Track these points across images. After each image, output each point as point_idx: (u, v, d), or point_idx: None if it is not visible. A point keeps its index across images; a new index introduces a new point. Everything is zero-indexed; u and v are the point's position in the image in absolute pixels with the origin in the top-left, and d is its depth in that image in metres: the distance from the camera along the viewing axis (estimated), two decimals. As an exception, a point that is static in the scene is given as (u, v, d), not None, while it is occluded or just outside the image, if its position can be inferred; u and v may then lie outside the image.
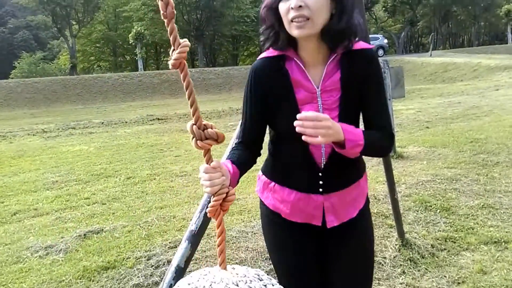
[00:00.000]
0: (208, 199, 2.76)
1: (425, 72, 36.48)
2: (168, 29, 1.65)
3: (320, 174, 2.11)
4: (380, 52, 47.54)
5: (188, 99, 1.74)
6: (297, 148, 2.07)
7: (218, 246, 1.82)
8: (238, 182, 2.05)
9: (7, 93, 39.20)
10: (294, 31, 1.91)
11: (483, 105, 13.59)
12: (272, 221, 2.31)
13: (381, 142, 2.04)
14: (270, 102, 2.11)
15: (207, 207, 2.69)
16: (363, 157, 2.18)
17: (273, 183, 2.25)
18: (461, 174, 6.40)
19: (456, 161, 7.11)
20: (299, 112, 1.87)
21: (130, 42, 59.94)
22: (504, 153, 7.31)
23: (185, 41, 1.68)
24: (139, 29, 57.47)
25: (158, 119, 18.23)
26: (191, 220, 2.74)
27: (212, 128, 1.78)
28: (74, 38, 68.32)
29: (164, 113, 20.68)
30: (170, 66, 1.68)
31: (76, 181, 8.13)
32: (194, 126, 1.77)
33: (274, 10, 1.95)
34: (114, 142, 12.67)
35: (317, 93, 2.01)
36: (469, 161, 7.03)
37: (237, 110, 18.98)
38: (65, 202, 6.85)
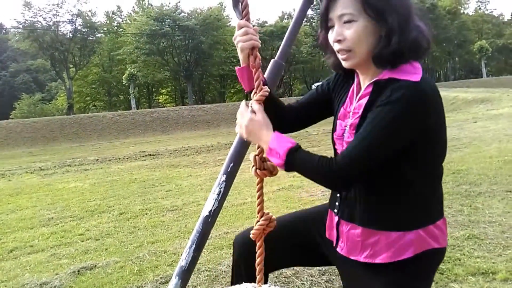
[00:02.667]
0: (197, 234, 2.65)
1: (404, 106, 36.70)
2: (255, 76, 2.00)
3: (338, 195, 2.02)
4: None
5: None
6: None
7: (258, 265, 2.03)
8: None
9: (7, 133, 39.07)
10: (341, 62, 1.89)
11: (462, 137, 13.59)
12: None
13: (314, 167, 1.78)
14: (332, 104, 2.15)
15: (196, 243, 2.61)
16: (413, 214, 1.84)
17: None
18: (445, 205, 6.13)
19: (438, 191, 6.95)
20: (335, 125, 2.03)
21: (124, 83, 60.82)
22: (486, 183, 7.21)
23: (266, 88, 2.03)
24: (132, 70, 58.29)
25: (150, 155, 18.08)
26: (181, 255, 2.64)
27: (270, 162, 2.00)
28: (71, 80, 68.86)
29: (156, 149, 20.59)
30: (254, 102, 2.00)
31: (71, 217, 7.94)
32: (257, 157, 2.02)
33: (325, 40, 1.95)
34: (108, 178, 12.50)
35: (350, 113, 1.94)
36: (452, 192, 6.93)
37: (226, 145, 18.94)
38: (60, 238, 6.67)
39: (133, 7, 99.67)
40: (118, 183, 11.50)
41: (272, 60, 2.94)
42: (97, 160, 17.90)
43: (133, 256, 5.41)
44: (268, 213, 2.10)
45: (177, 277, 2.58)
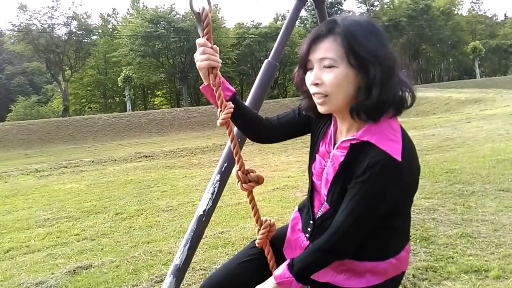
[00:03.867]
0: (192, 233, 2.66)
1: (398, 107, 36.73)
2: (216, 95, 1.99)
3: (311, 221, 2.03)
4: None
5: (233, 150, 2.04)
6: (309, 186, 2.07)
7: (272, 268, 2.10)
8: (231, 101, 2.06)
9: (3, 135, 39.04)
10: (317, 106, 1.82)
11: (456, 137, 13.62)
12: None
13: (318, 260, 1.84)
14: (311, 128, 2.10)
15: (190, 242, 2.63)
16: (386, 247, 1.88)
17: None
18: (438, 204, 6.30)
19: (433, 191, 7.01)
20: (314, 158, 2.00)
21: (119, 85, 60.68)
22: (479, 182, 7.25)
23: (230, 105, 2.00)
24: (127, 72, 58.13)
25: (146, 156, 18.07)
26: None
27: (254, 173, 2.06)
28: (66, 83, 68.58)
29: (151, 151, 20.57)
30: (218, 124, 2.00)
31: (67, 218, 7.94)
32: (239, 172, 2.04)
33: (301, 80, 1.87)
34: (104, 180, 12.50)
35: (330, 155, 1.90)
36: (446, 191, 6.95)
37: (221, 146, 18.93)
38: (56, 238, 6.67)
39: (128, 9, 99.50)
40: (114, 184, 11.50)
41: (265, 61, 2.96)
42: (92, 161, 17.89)
43: (129, 256, 5.42)
44: (266, 220, 2.16)
45: (171, 275, 2.60)
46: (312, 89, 1.77)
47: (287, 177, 9.45)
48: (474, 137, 13.11)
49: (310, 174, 2.03)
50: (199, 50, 1.92)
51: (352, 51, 1.64)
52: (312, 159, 2.03)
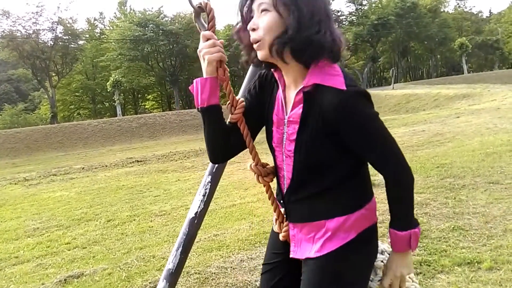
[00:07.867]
0: (184, 237, 2.62)
1: (389, 104, 36.92)
2: (227, 90, 1.95)
3: (281, 200, 2.02)
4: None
5: (248, 146, 2.02)
6: (274, 166, 2.07)
7: None
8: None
9: (-10, 144, 38.74)
10: (257, 54, 1.87)
11: (445, 132, 13.69)
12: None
13: (401, 200, 1.97)
14: (265, 107, 2.04)
15: (183, 245, 2.59)
16: (356, 196, 1.90)
17: None
18: (430, 198, 6.35)
19: (424, 186, 7.06)
20: (271, 132, 1.98)
21: (108, 90, 60.37)
22: (469, 176, 7.30)
23: (242, 101, 1.98)
24: (116, 77, 57.78)
25: (137, 161, 17.99)
26: (169, 259, 2.62)
27: (269, 165, 2.06)
28: (54, 89, 68.18)
29: (143, 155, 20.50)
30: (230, 120, 1.97)
31: (57, 226, 7.87)
32: (256, 166, 2.04)
33: (245, 32, 1.90)
34: (95, 186, 12.42)
35: (285, 121, 1.90)
36: (437, 185, 7.00)
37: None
38: (46, 248, 6.61)
39: (115, 13, 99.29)
40: (105, 190, 11.44)
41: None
42: (83, 168, 17.79)
43: (121, 263, 5.37)
44: None
45: (164, 280, 2.56)
46: (251, 36, 1.84)
47: (279, 177, 9.44)
48: (463, 131, 13.20)
49: (272, 150, 2.01)
50: (209, 42, 1.88)
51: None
52: (269, 136, 2.01)
